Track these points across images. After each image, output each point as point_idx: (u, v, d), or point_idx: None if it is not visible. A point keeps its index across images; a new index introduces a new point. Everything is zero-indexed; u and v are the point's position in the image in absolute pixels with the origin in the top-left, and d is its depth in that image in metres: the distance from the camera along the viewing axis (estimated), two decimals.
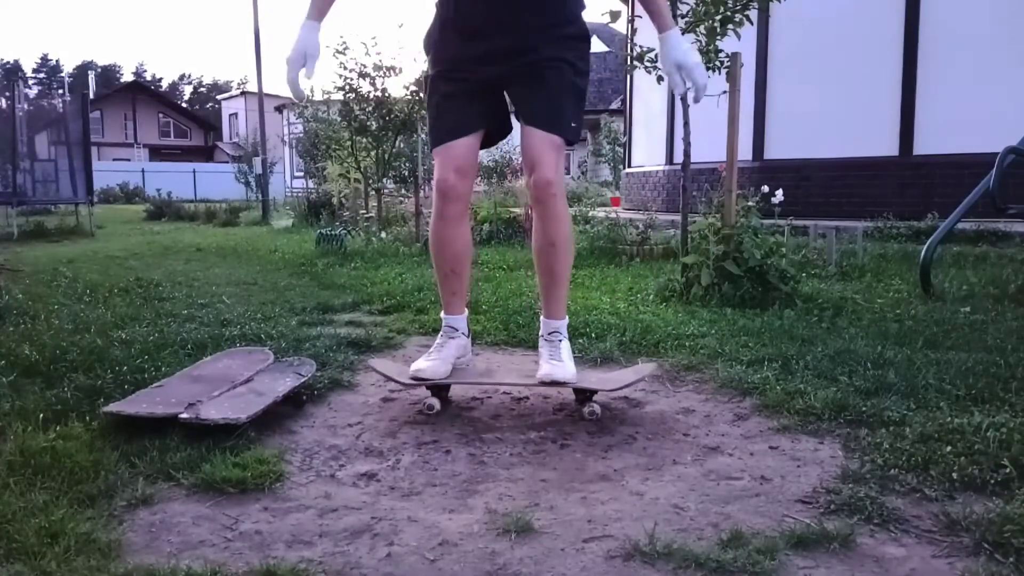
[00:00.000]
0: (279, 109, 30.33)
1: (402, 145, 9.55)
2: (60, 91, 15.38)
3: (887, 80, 8.03)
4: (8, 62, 64.71)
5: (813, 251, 5.16)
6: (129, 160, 39.98)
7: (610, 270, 5.18)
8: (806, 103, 8.51)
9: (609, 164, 21.98)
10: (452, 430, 2.15)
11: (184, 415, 2.00)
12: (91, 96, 19.74)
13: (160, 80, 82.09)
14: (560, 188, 2.24)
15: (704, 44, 4.42)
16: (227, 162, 34.55)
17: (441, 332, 2.44)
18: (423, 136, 8.20)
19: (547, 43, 2.21)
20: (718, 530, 1.52)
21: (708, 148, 5.95)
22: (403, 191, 9.69)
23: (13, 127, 10.16)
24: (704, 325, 3.28)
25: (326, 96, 9.69)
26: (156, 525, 1.57)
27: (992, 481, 1.66)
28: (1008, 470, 1.69)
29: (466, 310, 2.51)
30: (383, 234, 7.36)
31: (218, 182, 29.71)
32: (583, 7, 2.33)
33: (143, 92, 51.99)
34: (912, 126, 7.95)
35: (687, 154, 4.45)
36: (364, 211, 8.96)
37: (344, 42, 8.38)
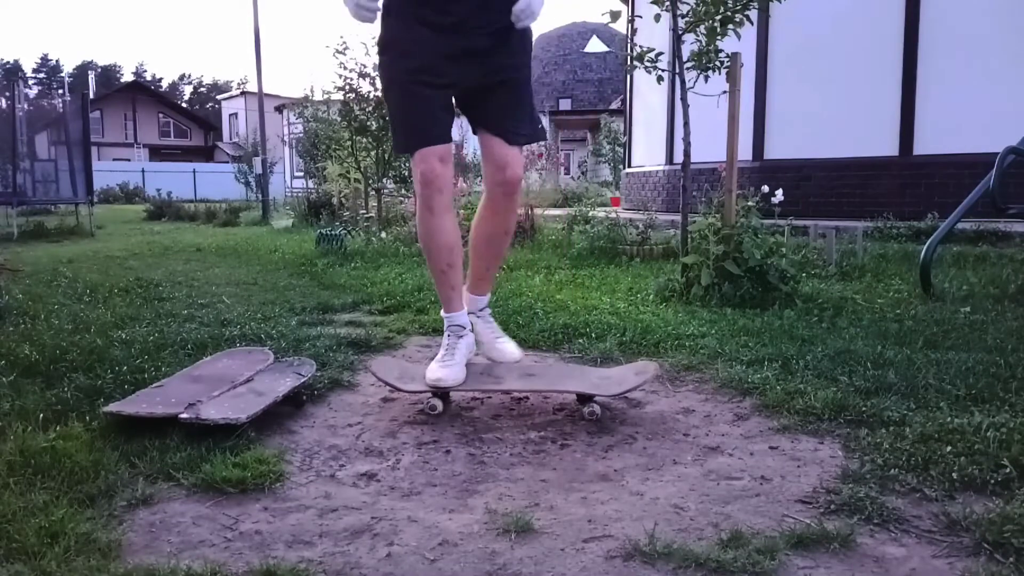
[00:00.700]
0: (279, 109, 30.31)
1: None
2: (60, 91, 15.38)
3: (887, 80, 8.03)
4: (8, 62, 64.72)
5: (813, 251, 5.16)
6: (129, 160, 39.96)
7: (610, 270, 5.19)
8: (806, 103, 8.51)
9: (609, 164, 21.98)
10: (452, 430, 2.15)
11: (184, 415, 2.00)
12: (91, 96, 19.73)
13: (160, 80, 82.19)
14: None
15: (704, 44, 4.42)
16: (227, 162, 34.55)
17: (447, 333, 2.40)
18: None
19: (514, 42, 2.27)
20: (718, 530, 1.52)
21: (708, 148, 5.95)
22: (403, 191, 9.67)
23: (13, 127, 10.16)
24: (704, 325, 3.28)
25: (326, 96, 9.70)
26: (156, 525, 1.57)
27: (992, 481, 1.66)
28: (1008, 470, 1.69)
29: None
30: (383, 234, 7.35)
31: (218, 182, 29.71)
32: None
33: (143, 92, 51.96)
34: (912, 126, 7.95)
35: (687, 154, 4.45)
36: (364, 211, 8.95)
37: (344, 42, 8.40)
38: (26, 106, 11.10)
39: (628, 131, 12.57)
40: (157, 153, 45.56)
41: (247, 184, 20.05)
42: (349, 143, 9.38)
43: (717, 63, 4.43)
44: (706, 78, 4.49)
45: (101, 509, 1.61)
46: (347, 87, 8.51)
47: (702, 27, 4.42)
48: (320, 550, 1.48)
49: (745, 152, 8.54)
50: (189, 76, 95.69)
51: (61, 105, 11.90)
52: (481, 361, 2.51)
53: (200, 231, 10.85)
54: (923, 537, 1.48)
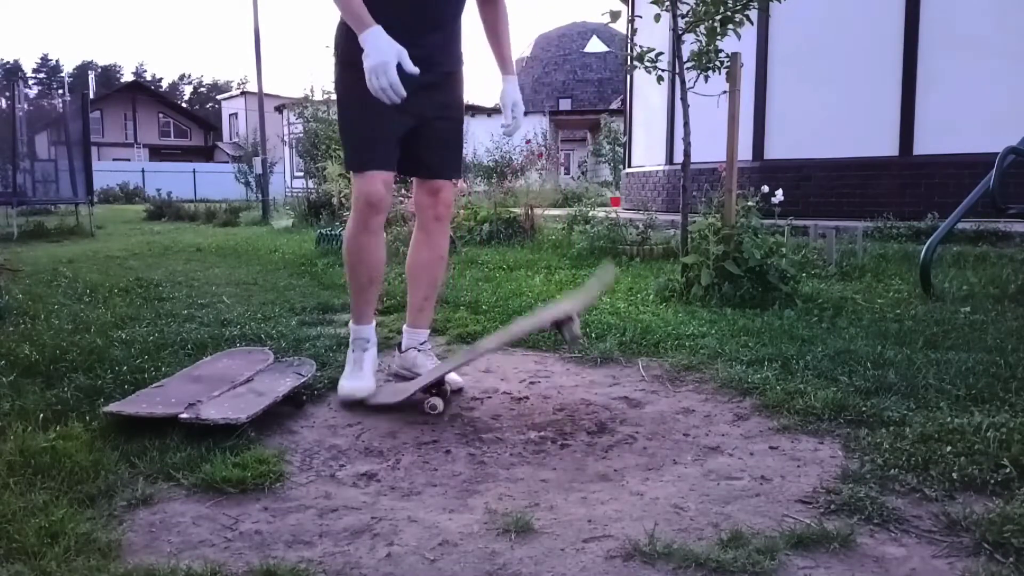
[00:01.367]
0: (279, 109, 30.29)
1: None
2: (60, 91, 15.38)
3: (887, 80, 8.03)
4: (8, 62, 64.77)
5: (813, 251, 5.16)
6: (129, 160, 39.98)
7: None
8: (806, 103, 8.51)
9: (609, 164, 21.97)
10: (452, 430, 2.15)
11: (184, 415, 2.00)
12: (91, 96, 19.73)
13: (160, 80, 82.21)
14: None
15: (704, 44, 4.42)
16: (227, 162, 34.54)
17: (353, 347, 2.49)
18: None
19: (457, 87, 2.50)
20: (718, 530, 1.52)
21: (708, 148, 5.95)
22: (403, 191, 9.67)
23: (13, 127, 10.16)
24: (704, 325, 3.28)
25: (326, 96, 9.68)
26: (156, 525, 1.57)
27: (992, 481, 1.66)
28: (1008, 470, 1.69)
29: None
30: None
31: (218, 182, 29.71)
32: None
33: (143, 92, 51.98)
34: (912, 126, 7.95)
35: (687, 154, 4.45)
36: None
37: None
38: (26, 106, 11.10)
39: (628, 131, 12.56)
40: (157, 153, 45.58)
41: (247, 184, 20.03)
42: None
43: (717, 63, 4.43)
44: (706, 78, 4.49)
45: (101, 509, 1.61)
46: None
47: (702, 27, 4.42)
48: (320, 550, 1.48)
49: (745, 152, 8.55)
50: (189, 76, 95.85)
51: (61, 105, 11.89)
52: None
53: (200, 231, 10.85)
54: (923, 537, 1.48)
